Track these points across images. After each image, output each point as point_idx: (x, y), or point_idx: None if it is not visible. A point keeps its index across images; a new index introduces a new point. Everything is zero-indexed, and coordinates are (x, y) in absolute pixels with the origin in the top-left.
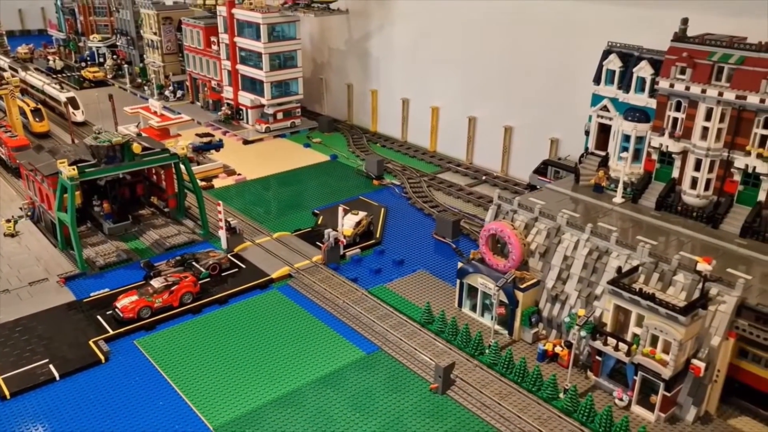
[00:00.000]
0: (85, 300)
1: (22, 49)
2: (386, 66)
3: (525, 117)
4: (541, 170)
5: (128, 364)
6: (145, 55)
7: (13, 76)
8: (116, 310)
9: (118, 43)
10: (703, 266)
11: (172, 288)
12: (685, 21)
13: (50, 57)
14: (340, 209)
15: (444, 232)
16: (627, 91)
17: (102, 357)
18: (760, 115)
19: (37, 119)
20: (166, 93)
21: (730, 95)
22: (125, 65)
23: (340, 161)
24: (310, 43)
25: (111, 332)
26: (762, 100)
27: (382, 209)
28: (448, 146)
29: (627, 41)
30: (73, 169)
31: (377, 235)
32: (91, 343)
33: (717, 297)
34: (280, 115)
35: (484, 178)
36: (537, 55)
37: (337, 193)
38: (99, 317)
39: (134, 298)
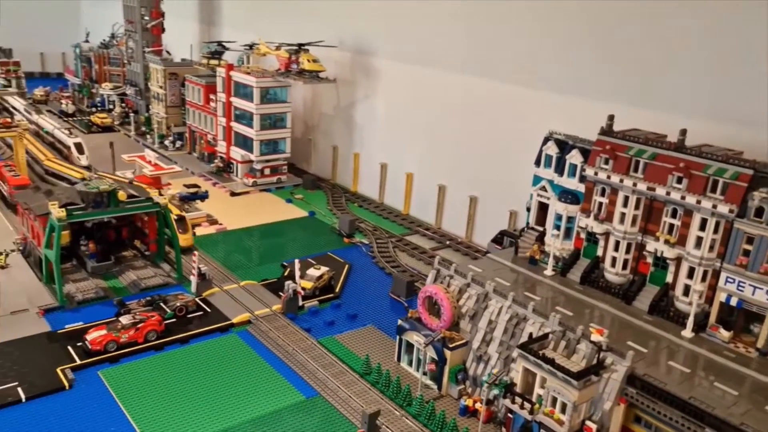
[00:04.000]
0: (59, 331)
1: (39, 91)
2: (368, 132)
3: (488, 189)
4: (498, 240)
5: (90, 392)
6: (150, 106)
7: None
8: (86, 342)
9: (127, 93)
10: (596, 337)
11: (138, 325)
12: (611, 117)
13: (63, 101)
14: (296, 262)
15: (399, 291)
16: (561, 174)
17: (66, 384)
18: (668, 205)
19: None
20: (167, 142)
21: (642, 186)
22: (132, 114)
23: (317, 218)
24: (302, 107)
25: (78, 362)
26: (668, 193)
27: (346, 266)
28: (421, 210)
29: (579, 130)
30: (62, 211)
31: (336, 290)
32: (58, 370)
33: (611, 365)
34: (267, 171)
35: (447, 242)
36: (500, 135)
37: (309, 247)
38: (70, 348)
39: (103, 332)
